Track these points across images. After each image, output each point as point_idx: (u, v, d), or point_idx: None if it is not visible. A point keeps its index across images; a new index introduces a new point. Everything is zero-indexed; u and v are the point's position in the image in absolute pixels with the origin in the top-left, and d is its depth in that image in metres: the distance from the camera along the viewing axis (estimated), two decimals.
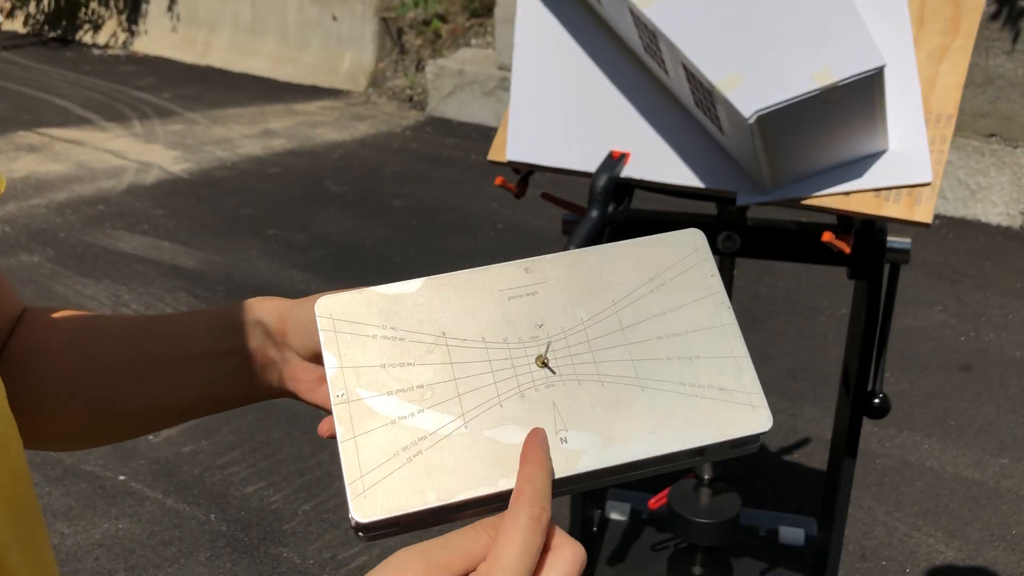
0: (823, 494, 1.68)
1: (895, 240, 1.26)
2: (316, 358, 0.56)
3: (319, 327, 0.50)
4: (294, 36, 6.62)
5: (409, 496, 0.45)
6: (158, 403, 0.59)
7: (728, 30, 0.95)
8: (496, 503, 0.46)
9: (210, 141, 5.00)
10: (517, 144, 1.17)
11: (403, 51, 6.20)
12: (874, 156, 1.01)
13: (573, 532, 1.60)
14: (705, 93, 0.97)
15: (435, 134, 5.18)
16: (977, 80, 3.78)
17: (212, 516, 2.11)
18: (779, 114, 0.91)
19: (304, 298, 0.56)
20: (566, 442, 0.46)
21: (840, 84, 0.90)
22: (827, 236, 1.04)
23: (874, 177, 1.00)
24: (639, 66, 1.14)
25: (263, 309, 0.58)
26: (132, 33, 7.37)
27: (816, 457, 2.33)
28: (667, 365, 0.49)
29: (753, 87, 0.92)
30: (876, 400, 1.33)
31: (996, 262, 3.49)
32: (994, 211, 3.84)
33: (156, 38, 7.21)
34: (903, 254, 1.27)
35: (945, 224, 3.82)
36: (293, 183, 4.37)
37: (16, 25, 7.99)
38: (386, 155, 4.79)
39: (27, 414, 0.58)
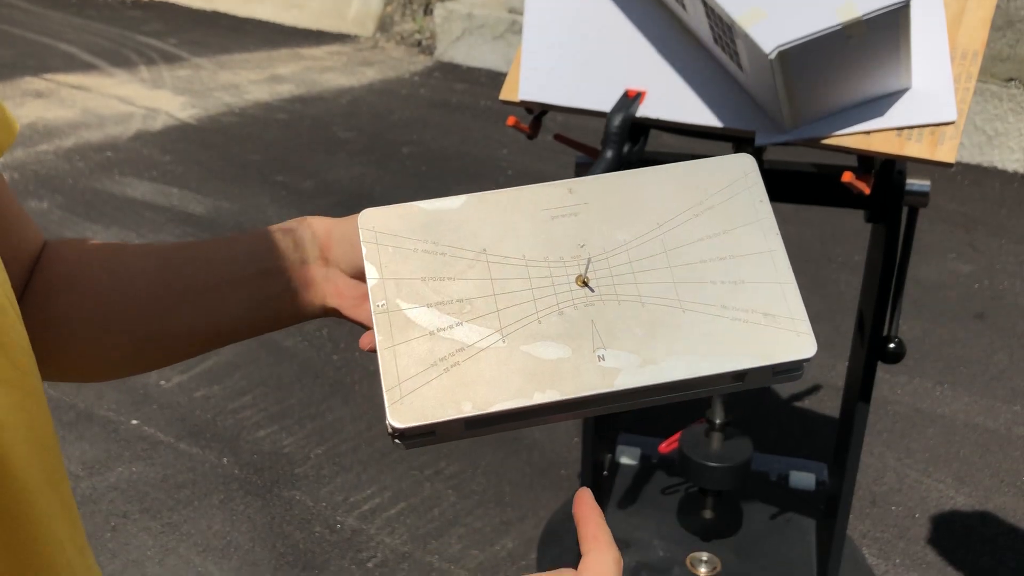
0: (835, 439, 1.68)
1: (914, 182, 1.24)
2: (360, 275, 0.56)
3: (361, 239, 0.50)
4: None
5: (445, 405, 0.45)
6: (198, 328, 0.58)
7: None
8: (529, 418, 0.47)
9: (217, 87, 4.95)
10: (530, 83, 1.15)
11: None
12: (897, 94, 0.99)
13: (584, 476, 1.61)
14: (724, 28, 0.94)
15: (444, 79, 5.12)
16: (997, 23, 3.70)
17: (225, 460, 2.13)
18: (801, 50, 0.88)
19: (348, 216, 0.56)
20: (604, 360, 0.46)
21: (864, 18, 0.87)
22: (847, 176, 1.02)
23: (897, 116, 0.97)
24: (656, 1, 1.11)
25: (307, 227, 0.57)
26: None
27: (827, 404, 2.32)
28: (710, 288, 0.48)
29: (774, 22, 0.89)
30: (891, 345, 1.32)
31: (1012, 209, 3.45)
32: (1011, 158, 3.79)
33: None
34: (922, 197, 1.25)
35: (961, 171, 3.77)
36: (301, 129, 4.34)
37: None
38: (394, 101, 4.74)
39: (60, 346, 0.57)
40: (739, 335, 0.47)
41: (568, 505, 1.82)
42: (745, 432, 1.60)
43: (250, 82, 5.03)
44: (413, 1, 6.06)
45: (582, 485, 1.62)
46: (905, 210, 1.27)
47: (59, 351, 0.57)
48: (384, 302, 0.48)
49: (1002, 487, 2.06)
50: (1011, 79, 3.75)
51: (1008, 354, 2.54)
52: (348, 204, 3.52)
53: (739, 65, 0.98)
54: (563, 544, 1.72)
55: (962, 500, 2.02)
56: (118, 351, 0.59)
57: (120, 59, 5.46)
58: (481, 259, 0.49)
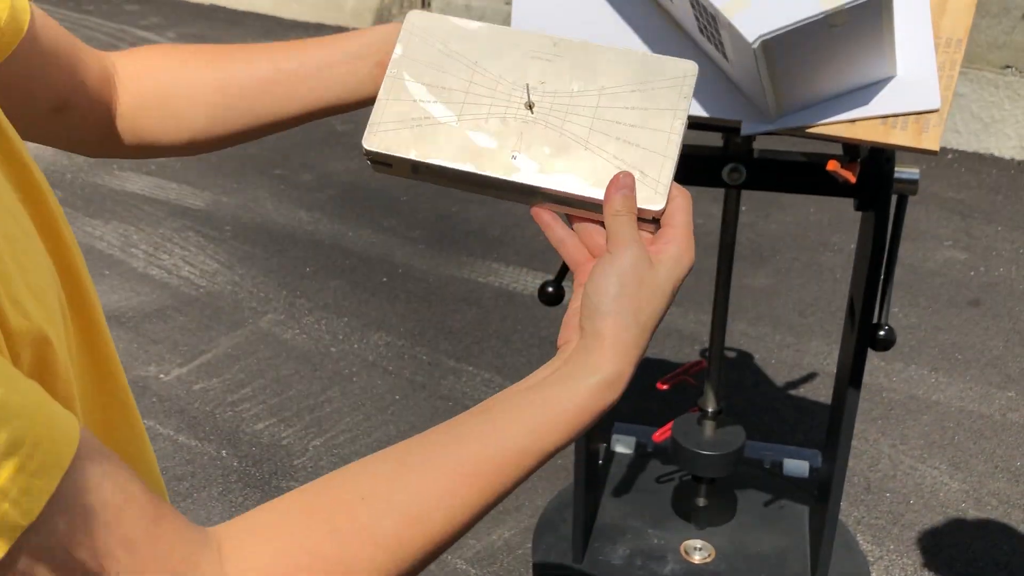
0: (828, 426, 1.69)
1: (903, 170, 1.25)
2: None
3: (402, 27, 0.68)
4: None
5: (401, 146, 0.64)
6: (297, 107, 0.73)
7: None
8: (455, 181, 0.65)
9: None
10: None
11: None
12: (881, 82, 0.99)
13: (578, 465, 1.62)
14: (709, 18, 0.95)
15: None
16: (993, 10, 3.70)
17: (224, 452, 2.14)
18: (784, 38, 0.89)
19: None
20: (515, 159, 0.63)
21: (846, 7, 0.88)
22: (832, 165, 1.03)
23: (881, 104, 0.98)
24: None
25: (384, 31, 0.72)
26: None
27: (822, 391, 2.34)
28: (613, 141, 0.63)
29: (757, 11, 0.89)
30: (881, 332, 1.33)
31: (1008, 196, 3.45)
32: (1008, 144, 3.79)
33: None
34: (911, 184, 1.26)
35: (957, 158, 3.77)
36: None
37: None
38: None
39: (163, 144, 0.74)
40: (616, 174, 0.62)
41: (563, 495, 1.83)
42: (738, 420, 1.61)
43: None
44: None
45: (576, 475, 1.63)
46: (894, 198, 1.27)
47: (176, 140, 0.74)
48: (396, 71, 0.66)
49: (996, 473, 2.07)
50: (1007, 66, 3.75)
51: (1003, 340, 2.55)
52: (346, 197, 3.53)
53: (724, 55, 0.99)
54: (558, 533, 1.73)
55: (956, 486, 2.03)
56: (221, 133, 0.75)
57: None
58: (471, 67, 0.66)
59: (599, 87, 0.65)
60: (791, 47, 0.91)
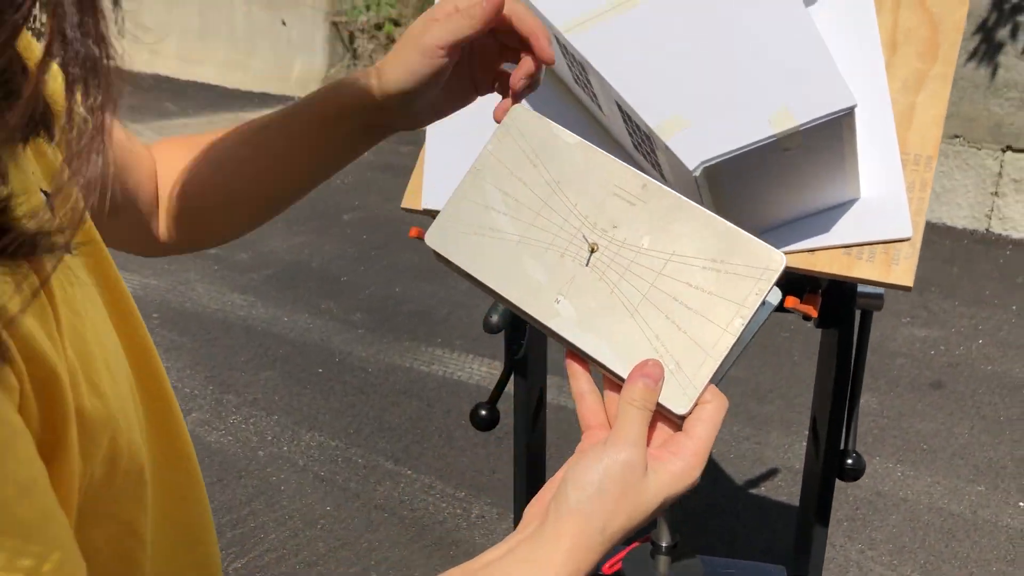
0: (793, 546, 1.54)
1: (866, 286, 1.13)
2: (410, 91, 0.69)
3: (503, 123, 0.64)
4: (243, 42, 6.42)
5: (459, 253, 0.63)
6: (301, 176, 0.78)
7: (670, 63, 0.80)
8: (500, 299, 0.62)
9: None
10: (435, 190, 1.02)
11: (355, 56, 6.01)
12: (844, 206, 0.87)
13: None
14: (643, 137, 0.82)
15: (388, 142, 4.97)
16: None
17: None
18: (729, 164, 0.76)
19: (397, 50, 0.69)
20: (558, 303, 0.60)
21: (802, 128, 0.75)
22: (791, 302, 0.90)
23: (844, 232, 0.86)
24: (573, 101, 0.99)
25: (355, 93, 0.72)
26: None
27: (785, 489, 2.20)
28: (661, 319, 0.57)
29: (698, 132, 0.77)
30: (849, 461, 1.19)
31: (963, 268, 3.39)
32: (960, 214, 3.75)
33: None
34: (876, 300, 1.14)
35: None
36: None
37: None
38: None
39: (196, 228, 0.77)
40: (646, 359, 0.56)
41: None
42: (697, 524, 1.46)
43: None
44: (358, 63, 5.98)
45: None
46: (858, 314, 1.15)
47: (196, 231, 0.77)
48: (481, 167, 0.64)
49: None
50: (956, 136, 3.72)
51: (968, 427, 2.44)
52: (284, 277, 3.36)
53: (663, 176, 0.86)
54: None
55: None
56: (246, 218, 0.78)
57: None
58: (551, 186, 0.62)
59: (670, 252, 0.58)
60: (738, 172, 0.78)
